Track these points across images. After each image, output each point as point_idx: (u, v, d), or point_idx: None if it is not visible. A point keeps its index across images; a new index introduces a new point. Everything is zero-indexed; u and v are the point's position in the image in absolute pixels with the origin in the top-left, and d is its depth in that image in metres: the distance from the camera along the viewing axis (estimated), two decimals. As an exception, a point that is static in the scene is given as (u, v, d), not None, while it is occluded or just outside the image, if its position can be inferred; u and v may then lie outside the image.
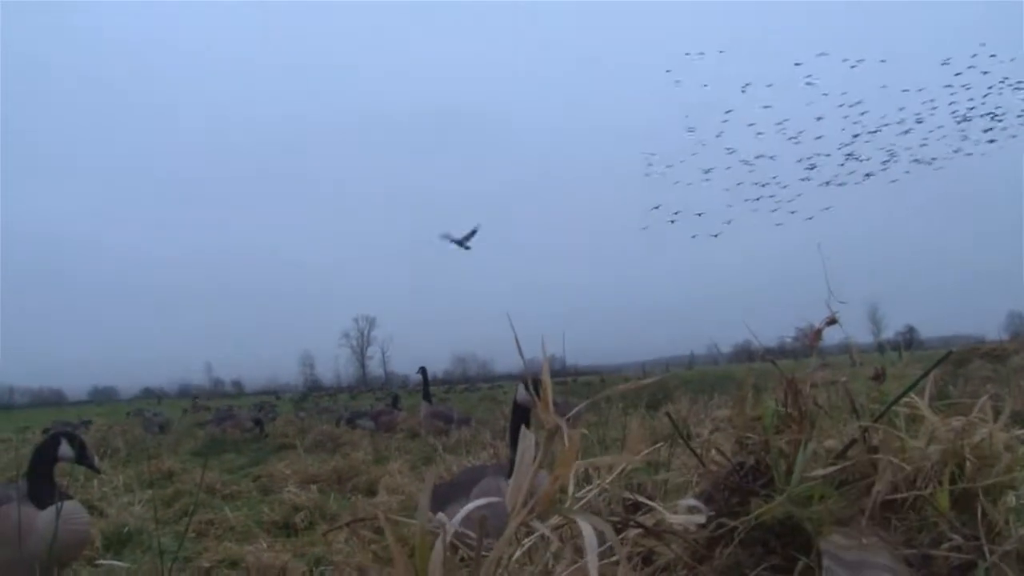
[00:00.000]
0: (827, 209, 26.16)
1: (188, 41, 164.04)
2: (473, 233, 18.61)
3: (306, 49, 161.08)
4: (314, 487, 8.25)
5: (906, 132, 23.74)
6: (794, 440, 2.10)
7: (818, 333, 2.43)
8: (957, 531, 1.94)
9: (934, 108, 23.33)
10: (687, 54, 25.58)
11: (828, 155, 24.26)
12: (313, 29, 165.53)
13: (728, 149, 25.33)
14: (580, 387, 40.06)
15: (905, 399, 2.20)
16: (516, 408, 4.37)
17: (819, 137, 24.55)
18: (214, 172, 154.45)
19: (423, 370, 16.37)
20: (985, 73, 22.41)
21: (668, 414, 2.94)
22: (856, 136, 24.00)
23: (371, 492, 8.21)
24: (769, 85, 25.40)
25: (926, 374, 2.26)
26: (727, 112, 25.07)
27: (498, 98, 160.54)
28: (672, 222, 24.11)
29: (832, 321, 2.40)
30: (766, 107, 24.87)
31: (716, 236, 25.05)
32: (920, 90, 23.69)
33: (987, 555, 1.89)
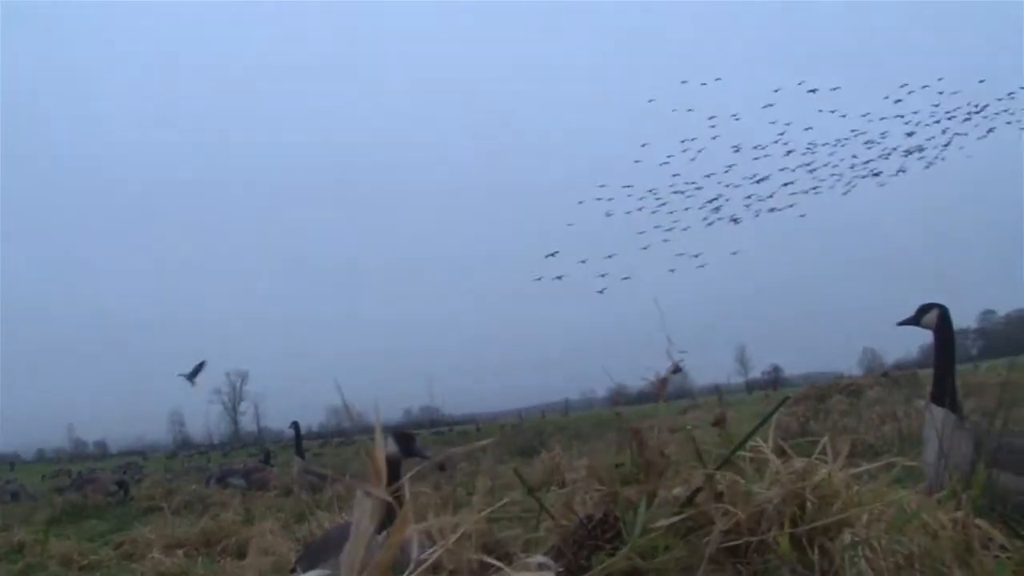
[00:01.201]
0: (696, 256, 27.04)
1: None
2: (200, 368, 18.61)
3: (186, 97, 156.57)
4: (180, 552, 7.94)
5: (760, 181, 24.93)
6: (641, 491, 2.12)
7: (663, 382, 2.47)
8: (797, 573, 1.98)
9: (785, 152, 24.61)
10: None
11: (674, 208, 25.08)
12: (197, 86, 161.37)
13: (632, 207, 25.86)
14: (456, 437, 39.92)
15: (752, 443, 2.26)
16: (386, 462, 4.28)
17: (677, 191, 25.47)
18: (75, 222, 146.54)
19: (295, 425, 16.08)
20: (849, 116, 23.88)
21: (516, 470, 2.93)
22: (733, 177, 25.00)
23: (242, 554, 7.91)
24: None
25: (764, 420, 2.34)
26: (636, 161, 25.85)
27: (391, 155, 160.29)
28: (559, 278, 24.44)
29: (676, 370, 2.45)
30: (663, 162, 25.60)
31: (601, 292, 25.50)
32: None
33: None
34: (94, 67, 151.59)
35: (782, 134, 24.30)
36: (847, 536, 2.05)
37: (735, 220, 25.62)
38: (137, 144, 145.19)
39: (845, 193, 25.67)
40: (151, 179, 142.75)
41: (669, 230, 24.96)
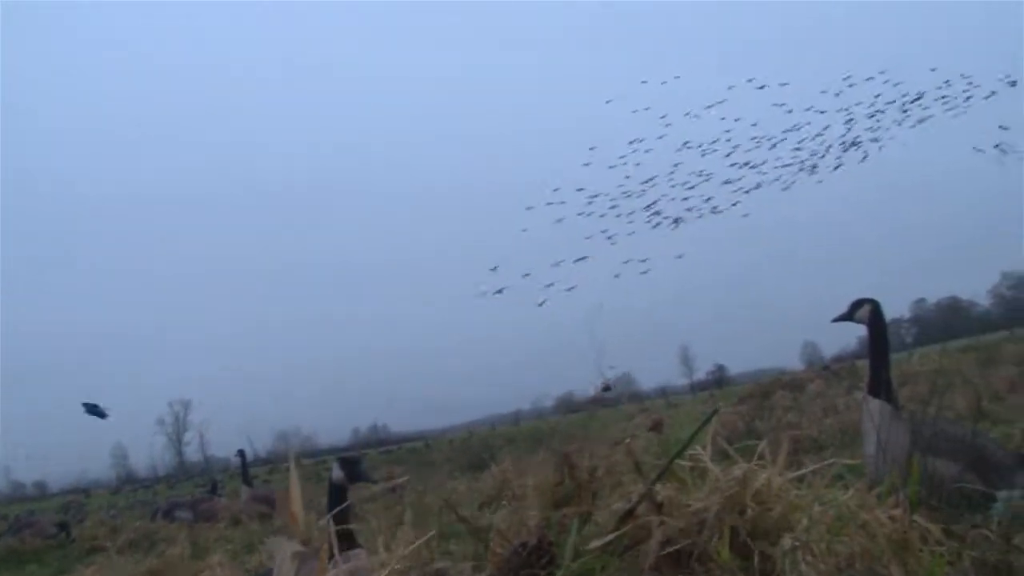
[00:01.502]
0: (643, 260, 27.25)
1: None
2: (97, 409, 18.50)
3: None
4: (124, 594, 7.68)
5: (699, 184, 25.27)
6: (573, 514, 2.13)
7: (595, 400, 2.50)
8: None
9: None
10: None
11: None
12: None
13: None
14: (405, 455, 39.60)
15: (691, 451, 2.29)
16: (332, 487, 4.36)
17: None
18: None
19: (241, 453, 15.90)
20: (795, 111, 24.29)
21: (447, 501, 2.95)
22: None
23: (190, 591, 7.71)
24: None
25: (692, 436, 2.37)
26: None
27: (334, 164, 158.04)
28: (499, 292, 24.44)
29: (607, 388, 2.48)
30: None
31: (540, 304, 25.55)
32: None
33: None
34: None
35: (728, 131, 24.66)
36: (787, 541, 2.06)
37: (677, 221, 25.90)
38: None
39: (785, 189, 26.07)
40: (83, 193, 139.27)
41: (610, 237, 25.16)
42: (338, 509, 4.30)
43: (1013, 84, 23.02)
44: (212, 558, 8.73)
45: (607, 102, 26.63)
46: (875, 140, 24.71)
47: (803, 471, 2.49)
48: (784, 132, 24.58)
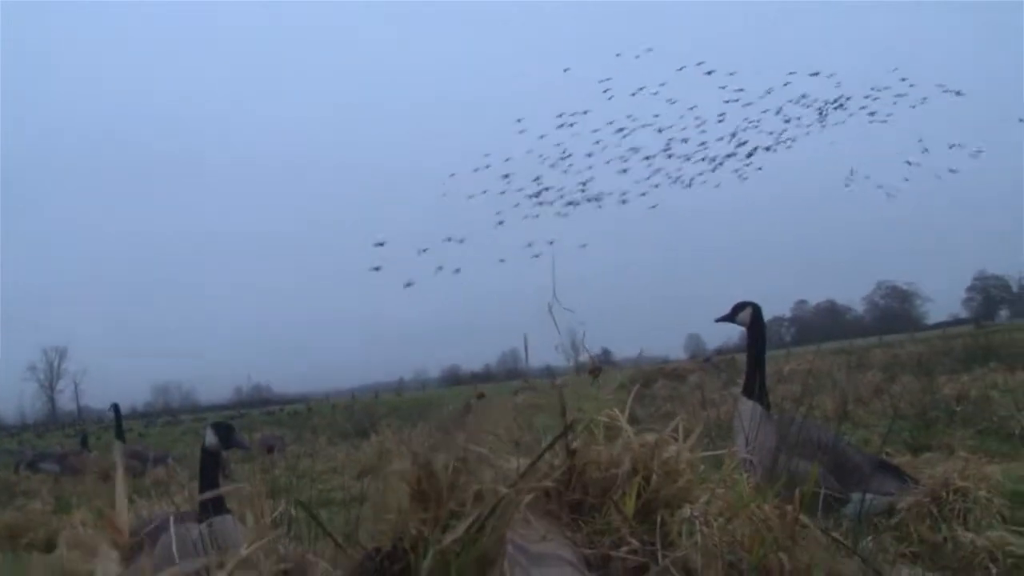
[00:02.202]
0: (551, 242, 27.50)
1: None
2: None
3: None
4: (-22, 549, 7.37)
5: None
6: (430, 520, 2.13)
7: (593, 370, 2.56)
8: (637, 536, 2.09)
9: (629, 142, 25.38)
10: None
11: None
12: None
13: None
14: (287, 417, 38.97)
15: (606, 412, 2.36)
16: (205, 453, 4.36)
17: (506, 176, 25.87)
18: None
19: (116, 407, 15.36)
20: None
21: (302, 503, 2.92)
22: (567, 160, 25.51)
23: (51, 547, 7.44)
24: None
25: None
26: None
27: (242, 128, 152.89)
28: (377, 269, 24.21)
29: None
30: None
31: (437, 269, 25.46)
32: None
33: (660, 560, 2.06)
34: None
35: (636, 126, 25.05)
36: (687, 511, 2.16)
37: (571, 204, 26.24)
38: None
39: (687, 187, 26.70)
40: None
41: (501, 222, 25.39)
42: (208, 474, 4.30)
43: (958, 94, 24.01)
44: (76, 515, 8.48)
45: (565, 70, 26.58)
46: (783, 143, 25.52)
47: (716, 452, 2.59)
48: (696, 130, 25.16)
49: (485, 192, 25.35)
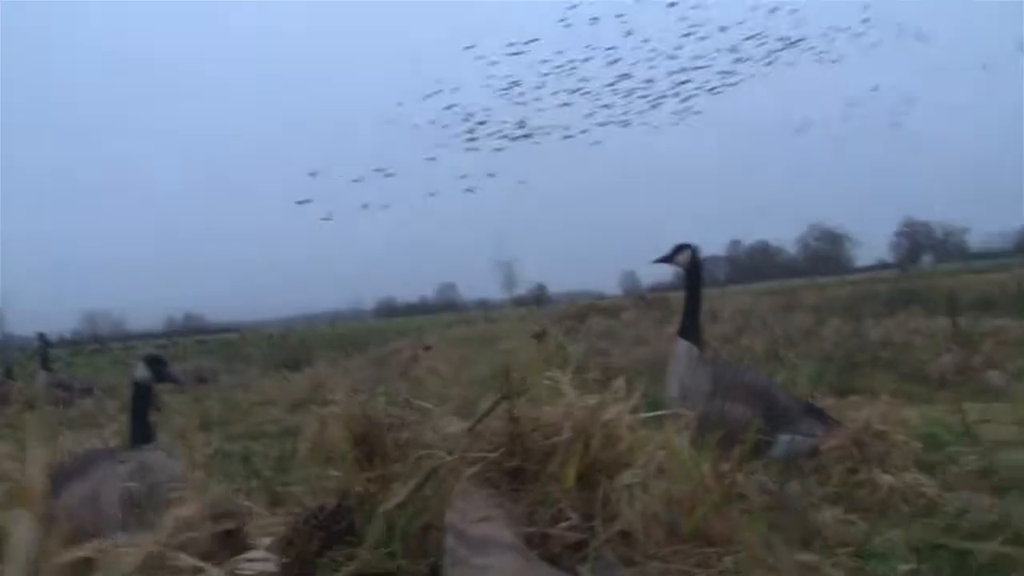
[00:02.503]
0: (492, 175, 27.38)
1: None
2: None
3: None
4: None
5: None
6: (376, 479, 2.13)
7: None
8: (576, 509, 2.09)
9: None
10: None
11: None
12: None
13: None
14: (219, 347, 38.30)
15: (548, 373, 2.37)
16: (136, 387, 4.28)
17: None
18: None
19: (42, 336, 15.01)
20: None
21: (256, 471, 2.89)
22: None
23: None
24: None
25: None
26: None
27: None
28: (305, 202, 23.82)
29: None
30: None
31: (325, 219, 25.16)
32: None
33: (599, 534, 2.07)
34: None
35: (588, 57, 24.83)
36: (627, 476, 2.17)
37: (509, 137, 26.13)
38: None
39: (625, 126, 26.73)
40: None
41: (432, 156, 25.22)
42: (139, 408, 4.27)
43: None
44: (-1, 447, 8.28)
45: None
46: (730, 85, 25.53)
47: (656, 413, 2.61)
48: (646, 65, 25.00)
49: (433, 123, 25.08)
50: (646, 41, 25.80)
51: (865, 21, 25.72)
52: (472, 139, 25.08)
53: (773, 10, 25.44)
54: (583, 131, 26.80)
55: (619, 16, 25.62)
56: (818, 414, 4.98)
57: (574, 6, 25.88)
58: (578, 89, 25.82)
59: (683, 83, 25.43)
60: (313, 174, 24.49)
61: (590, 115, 26.14)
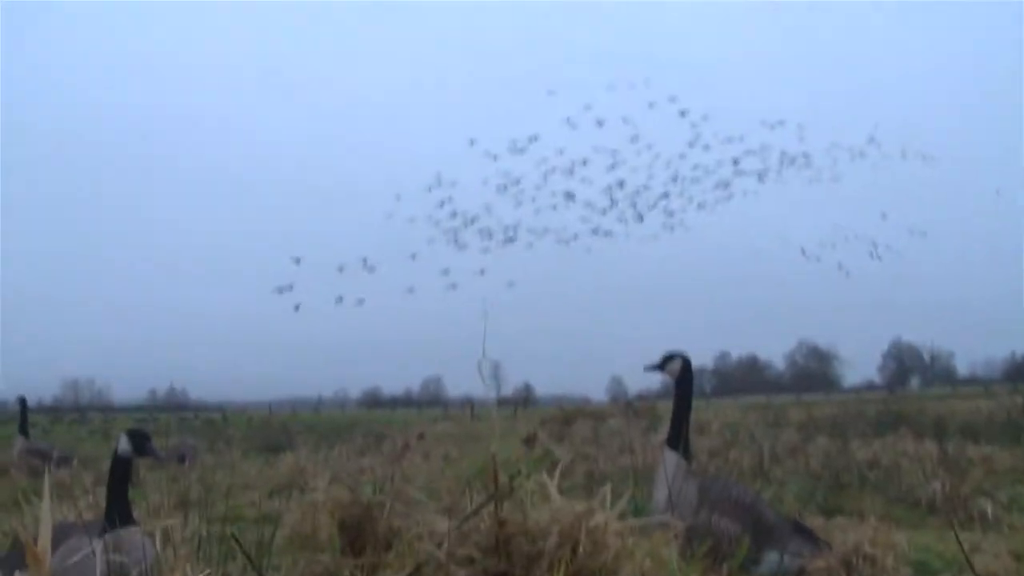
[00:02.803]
0: (482, 272, 27.63)
1: None
2: None
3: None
4: None
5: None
6: (368, 565, 2.09)
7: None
8: None
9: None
10: None
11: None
12: None
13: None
14: (201, 425, 37.86)
15: (534, 478, 2.32)
16: (116, 460, 4.20)
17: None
18: None
19: (22, 400, 14.77)
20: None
21: (245, 552, 2.84)
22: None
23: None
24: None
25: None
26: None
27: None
28: (285, 290, 24.00)
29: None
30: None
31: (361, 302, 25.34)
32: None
33: None
34: None
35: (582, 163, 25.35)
36: None
37: (510, 239, 26.51)
38: None
39: (609, 236, 27.14)
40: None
41: (412, 253, 25.54)
42: (118, 482, 4.16)
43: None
44: (-28, 510, 8.12)
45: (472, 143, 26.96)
46: (724, 197, 26.03)
47: (642, 521, 2.55)
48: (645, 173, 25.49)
49: (429, 217, 25.42)
50: (649, 147, 26.47)
51: (871, 141, 26.46)
52: (459, 239, 25.51)
53: (775, 125, 26.16)
54: (575, 237, 27.23)
55: (626, 121, 26.27)
56: (806, 534, 4.89)
57: (588, 107, 26.54)
58: (571, 194, 26.34)
59: (679, 194, 26.00)
60: (297, 260, 24.62)
61: (585, 220, 26.56)
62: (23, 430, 13.97)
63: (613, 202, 26.59)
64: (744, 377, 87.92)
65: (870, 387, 72.82)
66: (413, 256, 26.11)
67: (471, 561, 2.05)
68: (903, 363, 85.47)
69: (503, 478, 2.20)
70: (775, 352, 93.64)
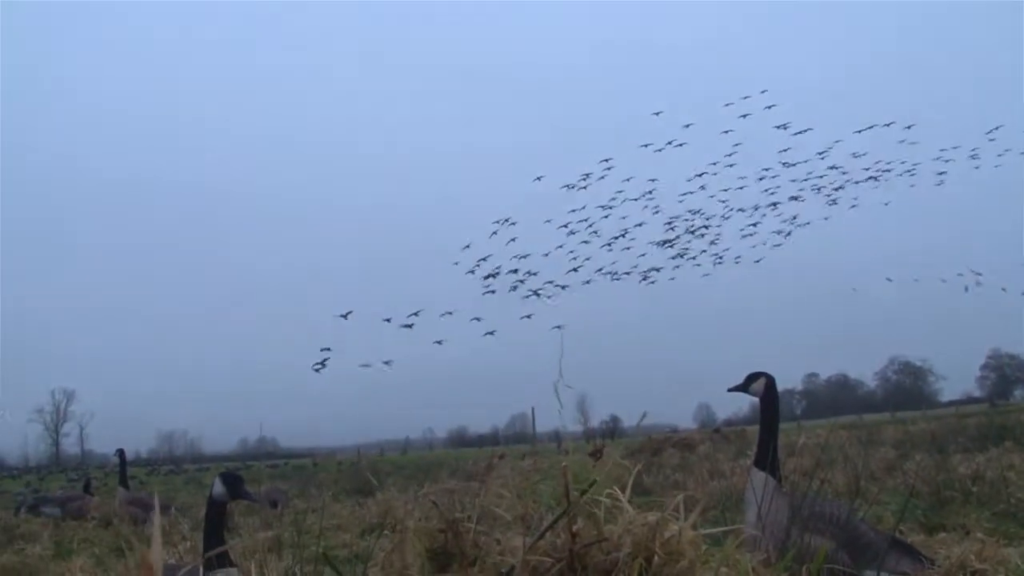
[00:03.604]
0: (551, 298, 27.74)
1: None
2: None
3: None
4: (-27, 593, 7.26)
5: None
6: None
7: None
8: None
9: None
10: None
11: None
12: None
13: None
14: (291, 471, 38.58)
15: (607, 491, 2.30)
16: (211, 503, 4.30)
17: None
18: None
19: (121, 452, 15.27)
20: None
21: (328, 558, 2.88)
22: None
23: (47, 594, 7.36)
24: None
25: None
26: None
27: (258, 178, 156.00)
28: (409, 326, 24.33)
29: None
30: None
31: (440, 343, 25.61)
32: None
33: None
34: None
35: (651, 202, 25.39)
36: None
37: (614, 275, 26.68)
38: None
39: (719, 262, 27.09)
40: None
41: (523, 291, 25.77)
42: (214, 525, 4.26)
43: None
44: (76, 560, 8.39)
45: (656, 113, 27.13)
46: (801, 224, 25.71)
47: (718, 529, 2.51)
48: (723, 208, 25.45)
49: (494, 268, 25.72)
50: (724, 191, 26.50)
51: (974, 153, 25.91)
52: (534, 279, 25.84)
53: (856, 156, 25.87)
54: (657, 269, 27.24)
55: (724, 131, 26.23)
56: (906, 549, 4.71)
57: (676, 143, 26.59)
58: (641, 224, 26.40)
59: (774, 214, 25.86)
60: (415, 314, 24.97)
61: (669, 257, 26.59)
62: (123, 482, 14.44)
63: (687, 231, 26.51)
64: (834, 397, 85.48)
65: (970, 400, 69.99)
66: (491, 291, 26.31)
67: (547, 570, 2.04)
68: (1004, 374, 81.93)
69: (575, 493, 2.19)
70: (865, 371, 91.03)
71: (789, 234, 27.20)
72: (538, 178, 28.39)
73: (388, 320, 23.70)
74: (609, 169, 27.21)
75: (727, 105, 26.65)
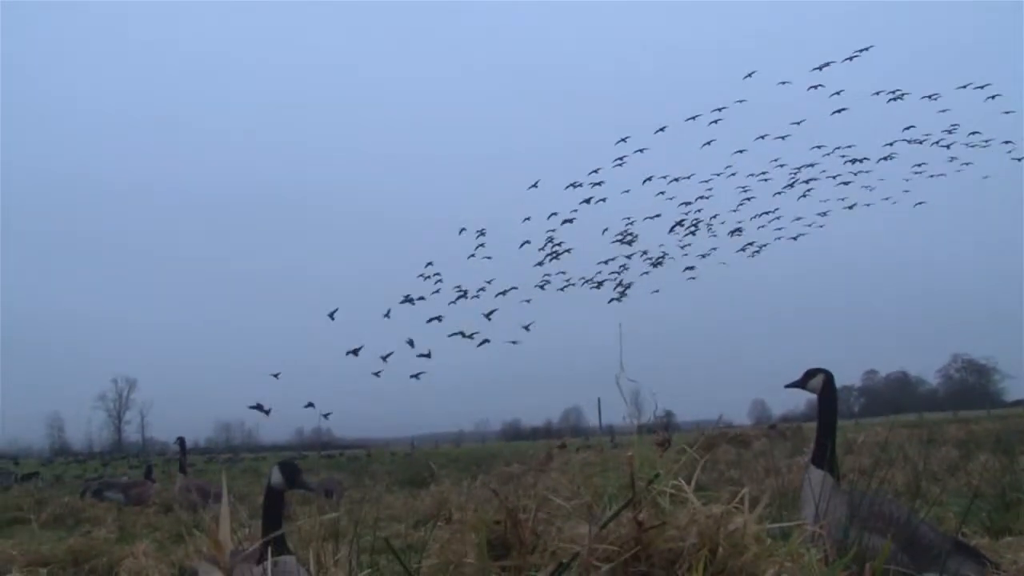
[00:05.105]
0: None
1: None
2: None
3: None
4: (44, 571, 7.52)
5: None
6: (513, 567, 2.11)
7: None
8: None
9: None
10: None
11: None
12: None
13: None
14: (346, 462, 39.04)
15: (672, 482, 2.31)
16: (269, 491, 4.38)
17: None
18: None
19: (181, 440, 15.66)
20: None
21: (391, 544, 2.92)
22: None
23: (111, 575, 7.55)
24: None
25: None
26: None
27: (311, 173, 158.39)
28: (438, 319, 24.23)
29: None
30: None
31: (514, 342, 25.54)
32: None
33: None
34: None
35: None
36: None
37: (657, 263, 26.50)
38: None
39: (755, 254, 26.70)
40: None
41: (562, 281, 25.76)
42: (272, 513, 4.34)
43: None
44: (138, 545, 8.59)
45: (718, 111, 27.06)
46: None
47: (782, 524, 2.50)
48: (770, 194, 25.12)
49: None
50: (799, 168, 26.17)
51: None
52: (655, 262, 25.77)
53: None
54: (722, 262, 27.02)
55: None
56: (969, 552, 4.60)
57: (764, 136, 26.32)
58: (697, 221, 26.19)
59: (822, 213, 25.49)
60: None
61: (714, 249, 26.37)
62: (182, 469, 14.78)
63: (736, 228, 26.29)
64: (894, 395, 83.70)
65: (1041, 400, 67.81)
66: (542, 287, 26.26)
67: (612, 559, 2.05)
68: (1074, 371, 79.19)
69: (641, 483, 2.20)
70: (927, 368, 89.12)
71: (852, 206, 26.58)
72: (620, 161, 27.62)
73: (438, 319, 23.53)
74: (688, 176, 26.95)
75: (782, 83, 26.12)
